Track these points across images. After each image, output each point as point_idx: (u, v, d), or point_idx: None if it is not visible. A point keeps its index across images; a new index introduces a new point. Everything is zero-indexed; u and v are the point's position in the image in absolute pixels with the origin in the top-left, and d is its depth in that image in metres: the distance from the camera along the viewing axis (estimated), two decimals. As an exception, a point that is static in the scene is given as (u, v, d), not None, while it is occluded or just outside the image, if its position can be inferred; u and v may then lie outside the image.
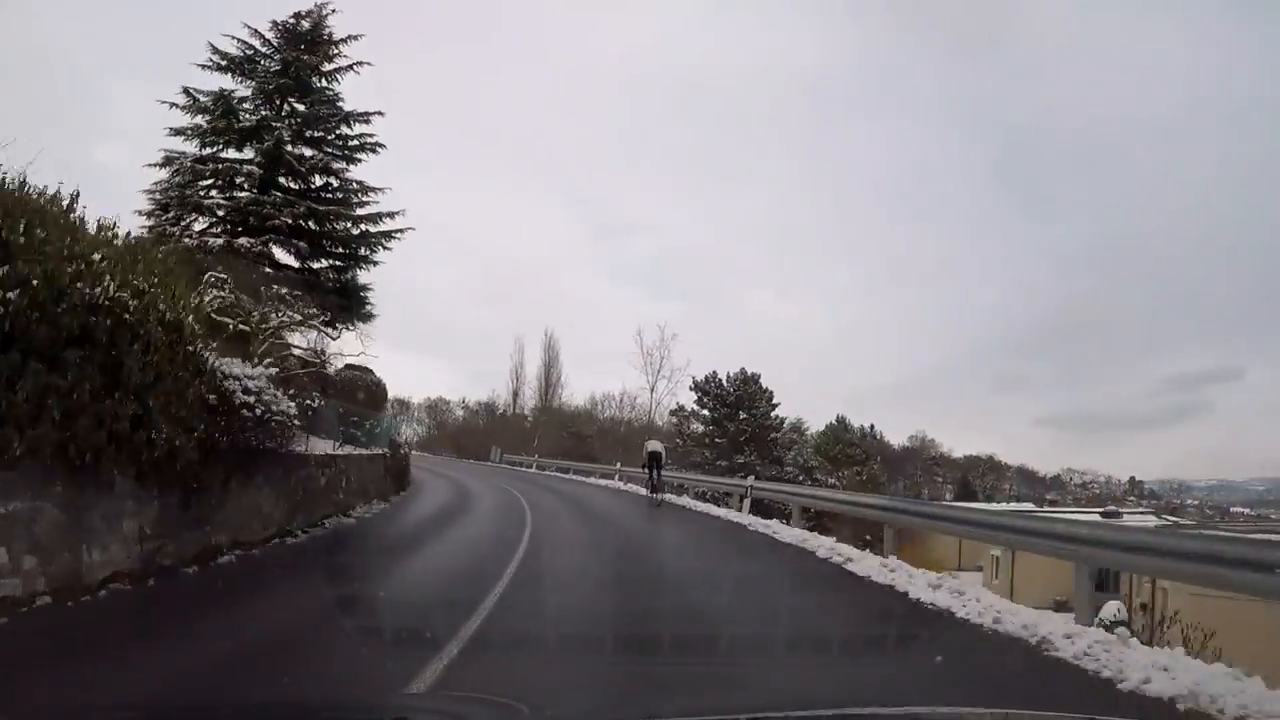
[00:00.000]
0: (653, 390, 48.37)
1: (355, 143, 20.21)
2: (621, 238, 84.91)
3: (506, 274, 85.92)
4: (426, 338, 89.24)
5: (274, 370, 10.21)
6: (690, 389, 42.84)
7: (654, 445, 19.79)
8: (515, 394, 57.31)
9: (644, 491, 20.04)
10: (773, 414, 41.36)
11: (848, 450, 45.76)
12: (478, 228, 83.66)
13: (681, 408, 43.62)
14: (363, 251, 20.40)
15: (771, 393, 41.50)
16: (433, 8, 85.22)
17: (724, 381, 41.74)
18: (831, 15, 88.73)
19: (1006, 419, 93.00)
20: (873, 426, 54.68)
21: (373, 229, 20.21)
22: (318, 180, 20.06)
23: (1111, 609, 11.21)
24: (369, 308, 20.38)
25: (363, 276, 20.53)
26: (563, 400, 55.25)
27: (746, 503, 17.76)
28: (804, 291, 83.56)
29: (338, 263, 20.34)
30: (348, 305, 19.73)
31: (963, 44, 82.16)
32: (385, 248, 20.49)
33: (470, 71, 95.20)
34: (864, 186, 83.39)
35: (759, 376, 41.59)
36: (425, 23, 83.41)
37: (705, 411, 41.82)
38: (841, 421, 48.70)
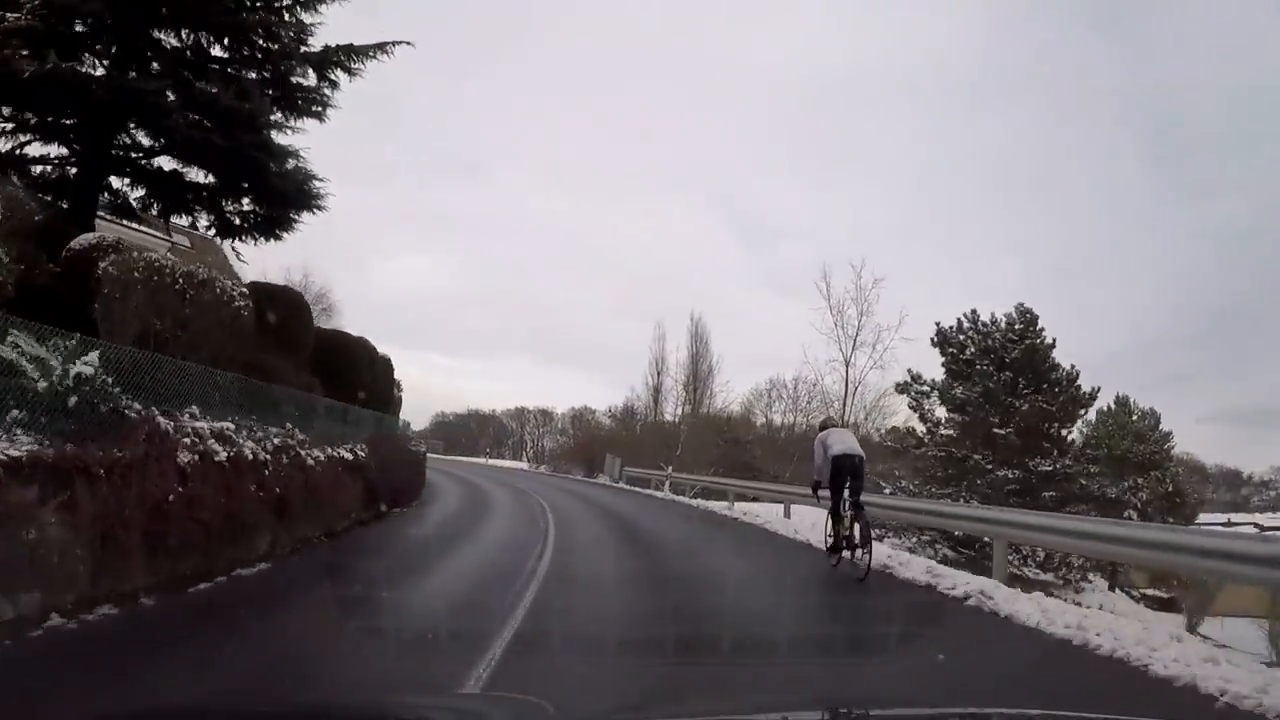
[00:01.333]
0: (848, 364, 32.36)
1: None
2: (770, 241, 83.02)
3: (652, 284, 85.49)
4: (574, 351, 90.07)
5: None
6: (933, 342, 24.42)
7: (841, 441, 8.95)
8: (656, 391, 46.23)
9: (816, 536, 10.86)
10: (1058, 385, 23.10)
11: (1137, 447, 28.56)
12: (624, 240, 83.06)
13: (912, 381, 24.51)
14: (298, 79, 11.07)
15: (1051, 349, 23.48)
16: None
17: (990, 323, 23.89)
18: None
19: (1168, 417, 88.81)
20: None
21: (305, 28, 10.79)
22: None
23: None
24: (315, 190, 11.46)
25: (295, 139, 11.37)
26: (713, 396, 43.10)
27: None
28: (956, 291, 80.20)
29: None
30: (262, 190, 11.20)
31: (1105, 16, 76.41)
32: (350, 72, 11.23)
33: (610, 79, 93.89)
34: (1005, 177, 79.28)
35: (1037, 319, 23.78)
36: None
37: (957, 390, 23.25)
38: (1124, 404, 30.63)
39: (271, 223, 11.98)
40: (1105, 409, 28.73)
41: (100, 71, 10.06)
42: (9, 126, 10.37)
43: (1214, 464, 52.59)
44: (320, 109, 11.48)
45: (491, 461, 54.66)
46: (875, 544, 8.45)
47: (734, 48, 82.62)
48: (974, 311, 24.41)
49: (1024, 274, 68.97)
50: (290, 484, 7.92)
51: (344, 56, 11.18)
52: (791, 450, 30.28)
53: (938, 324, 24.60)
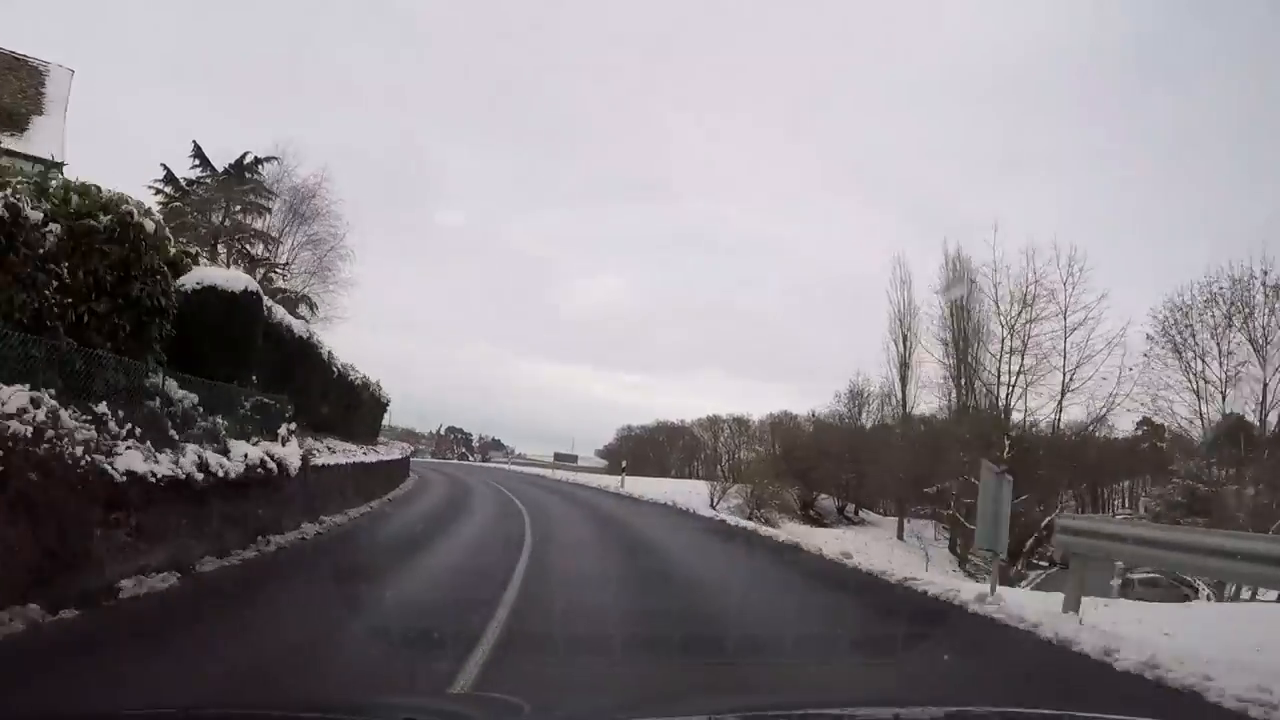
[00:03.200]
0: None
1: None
2: (963, 239, 77.87)
3: (846, 292, 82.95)
4: (765, 362, 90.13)
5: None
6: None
7: None
8: (903, 370, 34.24)
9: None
10: None
11: None
12: (815, 246, 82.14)
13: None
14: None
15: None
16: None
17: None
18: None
19: None
20: None
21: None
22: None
23: None
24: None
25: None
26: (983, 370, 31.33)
27: None
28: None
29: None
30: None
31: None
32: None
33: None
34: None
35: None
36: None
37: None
38: None
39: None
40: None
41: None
42: None
43: None
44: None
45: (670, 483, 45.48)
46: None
47: (893, 35, 76.65)
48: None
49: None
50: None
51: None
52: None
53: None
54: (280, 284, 27.99)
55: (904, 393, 35.01)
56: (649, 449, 79.22)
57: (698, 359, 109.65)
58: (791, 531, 23.94)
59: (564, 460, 53.55)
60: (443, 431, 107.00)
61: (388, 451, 21.85)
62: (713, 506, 29.72)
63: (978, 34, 76.73)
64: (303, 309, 27.32)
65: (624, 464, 45.91)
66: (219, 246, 26.69)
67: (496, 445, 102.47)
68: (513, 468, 60.62)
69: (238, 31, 68.85)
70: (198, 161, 28.92)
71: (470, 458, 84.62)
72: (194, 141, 29.22)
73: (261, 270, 27.27)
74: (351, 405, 19.43)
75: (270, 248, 29.90)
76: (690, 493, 31.37)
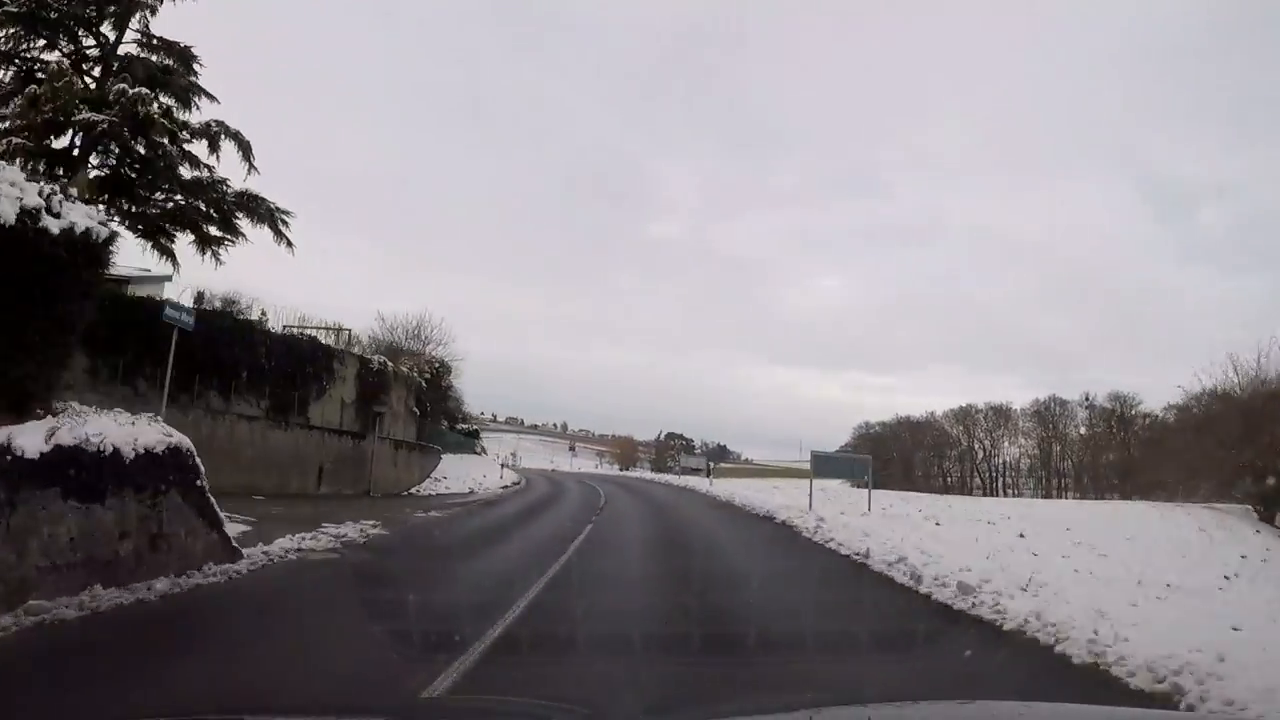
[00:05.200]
0: None
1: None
2: (1186, 209, 67.60)
3: (1064, 273, 74.64)
4: (1004, 354, 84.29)
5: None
6: None
7: None
8: None
9: None
10: None
11: None
12: (1033, 226, 75.16)
13: None
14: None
15: None
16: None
17: None
18: None
19: None
20: None
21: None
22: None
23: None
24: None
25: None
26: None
27: None
28: None
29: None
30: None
31: None
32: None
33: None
34: None
35: None
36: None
37: None
38: None
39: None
40: None
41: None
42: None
43: None
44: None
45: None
46: None
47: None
48: None
49: None
50: None
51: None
52: None
53: None
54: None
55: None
56: (893, 448, 68.95)
57: (926, 355, 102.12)
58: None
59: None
60: (663, 437, 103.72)
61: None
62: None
63: None
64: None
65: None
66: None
67: (721, 452, 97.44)
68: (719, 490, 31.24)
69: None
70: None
71: (675, 466, 79.56)
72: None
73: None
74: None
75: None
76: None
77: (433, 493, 25.75)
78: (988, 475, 70.59)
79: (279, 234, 18.17)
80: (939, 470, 71.70)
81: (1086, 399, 53.18)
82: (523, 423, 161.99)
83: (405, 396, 28.14)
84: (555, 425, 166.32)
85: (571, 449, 64.58)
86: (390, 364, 27.24)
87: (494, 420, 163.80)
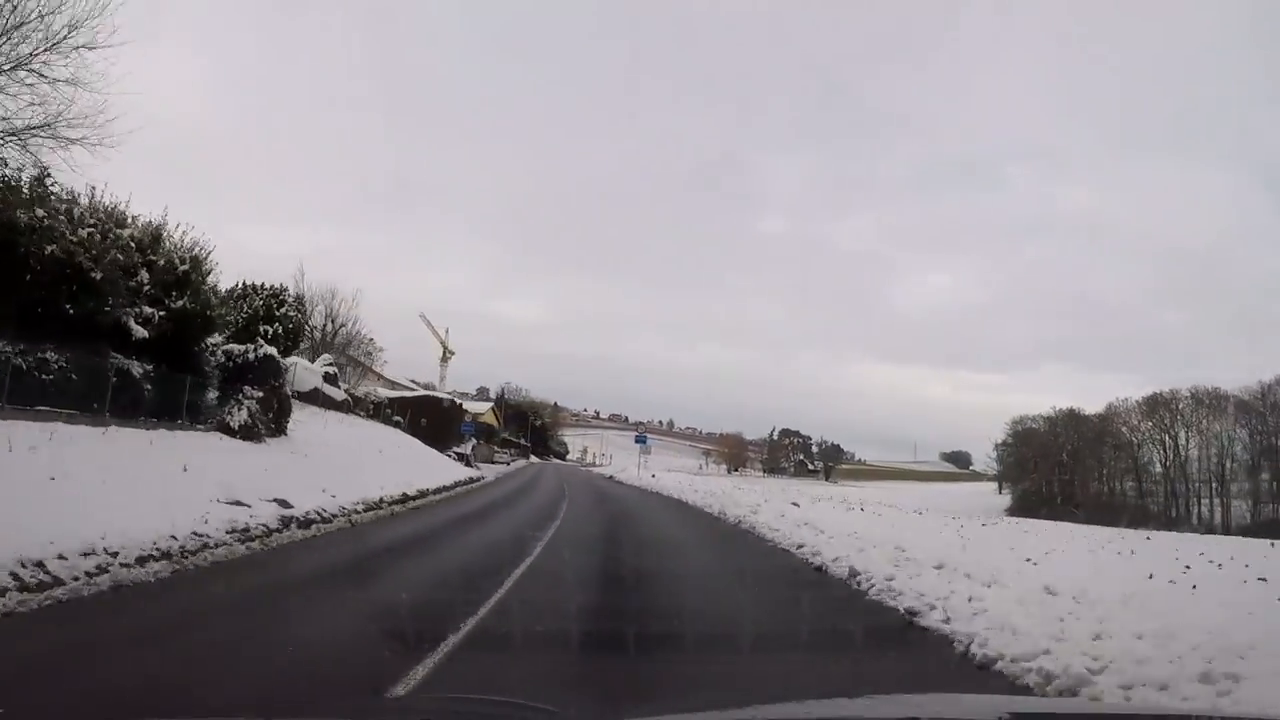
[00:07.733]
0: None
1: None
2: None
3: (1182, 267, 64.82)
4: (1116, 351, 75.90)
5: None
6: None
7: None
8: None
9: None
10: None
11: None
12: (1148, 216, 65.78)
13: None
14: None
15: None
16: None
17: None
18: None
19: None
20: None
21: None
22: None
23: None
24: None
25: None
26: None
27: None
28: None
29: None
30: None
31: None
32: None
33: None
34: None
35: None
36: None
37: None
38: None
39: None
40: None
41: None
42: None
43: None
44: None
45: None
46: None
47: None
48: None
49: None
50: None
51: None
52: None
53: None
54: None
55: None
56: (1053, 451, 57.39)
57: (1038, 353, 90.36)
58: None
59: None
60: (776, 434, 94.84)
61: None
62: None
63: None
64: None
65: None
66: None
67: (835, 452, 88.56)
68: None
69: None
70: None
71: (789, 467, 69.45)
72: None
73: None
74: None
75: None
76: None
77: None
78: (1195, 491, 55.51)
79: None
80: (1120, 486, 57.15)
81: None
82: (626, 420, 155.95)
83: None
84: (661, 423, 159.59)
85: (639, 440, 48.74)
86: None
87: (596, 417, 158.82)
